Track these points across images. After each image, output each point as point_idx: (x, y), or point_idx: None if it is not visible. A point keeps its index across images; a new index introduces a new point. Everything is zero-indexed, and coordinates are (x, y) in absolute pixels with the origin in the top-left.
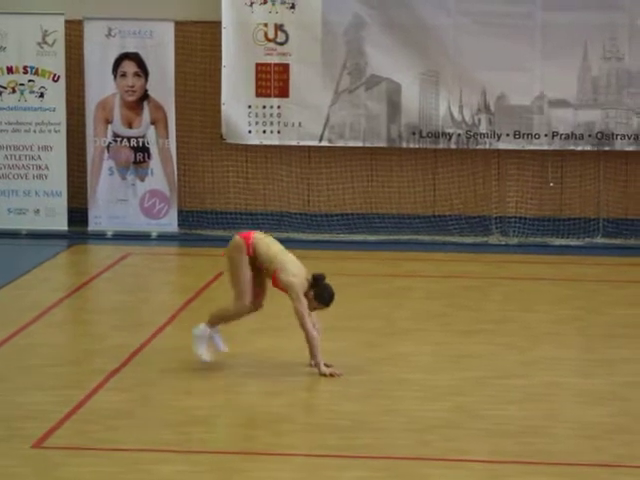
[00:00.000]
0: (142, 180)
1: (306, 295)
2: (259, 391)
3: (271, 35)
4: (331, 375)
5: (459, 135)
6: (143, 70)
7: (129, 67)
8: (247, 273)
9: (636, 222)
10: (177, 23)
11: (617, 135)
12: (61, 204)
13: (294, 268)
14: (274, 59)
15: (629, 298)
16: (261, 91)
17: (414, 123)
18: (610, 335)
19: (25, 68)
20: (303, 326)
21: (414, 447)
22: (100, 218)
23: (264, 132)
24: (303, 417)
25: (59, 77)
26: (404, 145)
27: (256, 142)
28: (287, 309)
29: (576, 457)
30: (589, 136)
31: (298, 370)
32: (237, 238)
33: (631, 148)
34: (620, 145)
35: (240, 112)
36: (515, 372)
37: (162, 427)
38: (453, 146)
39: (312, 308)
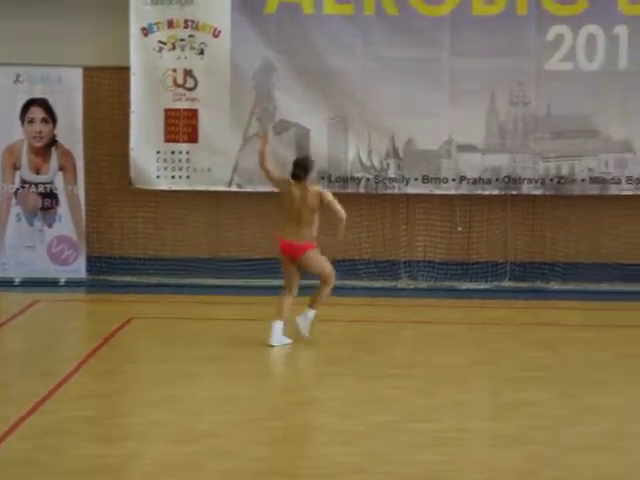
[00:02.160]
0: (50, 226)
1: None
2: (170, 439)
3: (180, 81)
4: None
5: (368, 180)
6: (51, 116)
7: (37, 113)
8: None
9: (543, 266)
10: (85, 69)
11: (524, 179)
12: None
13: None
14: (183, 104)
15: (536, 341)
16: (170, 136)
17: (323, 168)
18: (518, 378)
19: None
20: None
21: None
22: (7, 265)
23: (173, 177)
24: (214, 464)
25: None
26: None
27: (165, 187)
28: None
29: None
30: (496, 180)
31: (209, 418)
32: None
33: (538, 192)
34: (527, 189)
35: (149, 157)
36: (424, 416)
37: (71, 476)
38: (362, 191)
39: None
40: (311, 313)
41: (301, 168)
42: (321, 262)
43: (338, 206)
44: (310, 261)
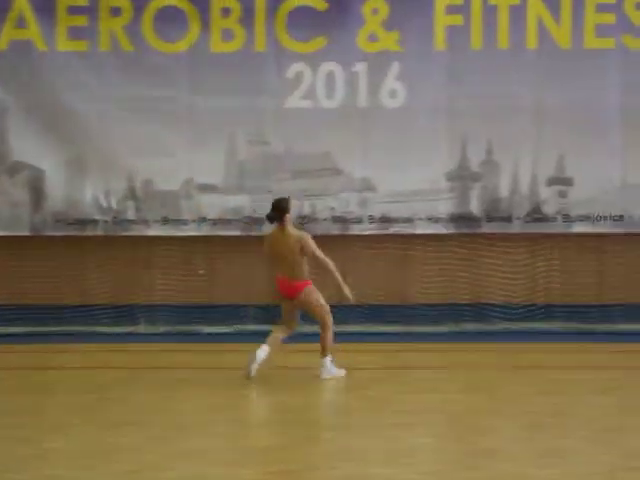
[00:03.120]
0: None
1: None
2: None
3: None
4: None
5: (106, 222)
6: None
7: None
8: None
9: None
10: None
11: (265, 220)
12: None
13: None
14: None
15: (279, 385)
16: None
17: (60, 210)
18: (267, 421)
19: None
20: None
21: None
22: None
23: None
24: None
25: None
26: (49, 233)
27: None
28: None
29: None
30: (237, 221)
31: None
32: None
33: None
34: (268, 229)
35: None
36: (164, 465)
37: None
38: (100, 233)
39: None
40: (326, 360)
41: (274, 209)
42: (315, 301)
43: (322, 256)
44: (307, 297)
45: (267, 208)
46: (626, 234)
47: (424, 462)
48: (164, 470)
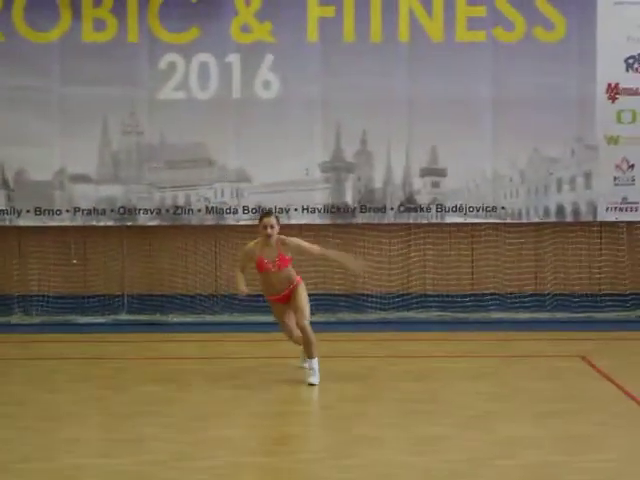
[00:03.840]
0: None
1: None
2: None
3: None
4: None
5: None
6: None
7: None
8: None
9: (161, 297)
10: None
11: (139, 210)
12: None
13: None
14: None
15: (154, 375)
16: None
17: None
18: (135, 413)
19: None
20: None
21: None
22: None
23: None
24: None
25: None
26: None
27: None
28: None
29: None
30: (111, 211)
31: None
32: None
33: (154, 223)
34: (143, 220)
35: None
36: (38, 455)
37: None
38: None
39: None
40: (312, 362)
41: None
42: (304, 301)
43: (305, 244)
44: (298, 291)
45: (142, 199)
46: (498, 224)
47: (298, 451)
48: (35, 461)
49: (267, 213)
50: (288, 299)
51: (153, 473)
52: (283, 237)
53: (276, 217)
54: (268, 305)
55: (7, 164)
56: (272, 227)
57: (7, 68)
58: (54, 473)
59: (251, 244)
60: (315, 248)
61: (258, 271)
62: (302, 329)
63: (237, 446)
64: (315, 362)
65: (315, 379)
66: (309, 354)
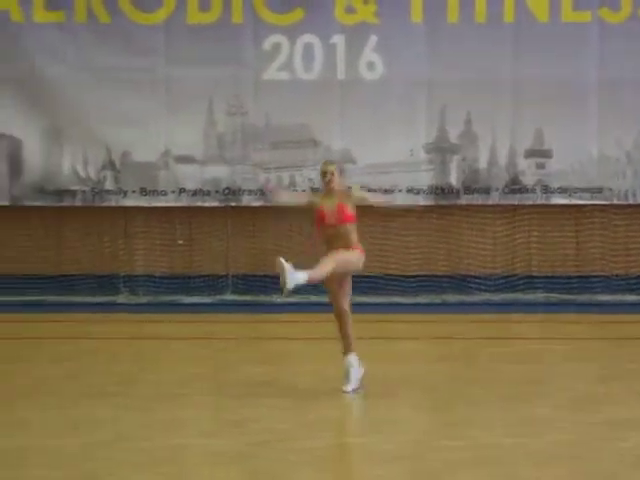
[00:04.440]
0: None
1: None
2: None
3: None
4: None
5: (84, 192)
6: None
7: None
8: None
9: (265, 278)
10: None
11: (244, 191)
12: None
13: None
14: None
15: (258, 356)
16: None
17: (37, 180)
18: (241, 394)
19: None
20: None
21: None
22: None
23: None
24: None
25: None
26: (27, 203)
27: None
28: None
29: None
30: (216, 192)
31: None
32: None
33: (258, 204)
34: (247, 201)
35: None
36: (139, 434)
37: None
38: (78, 203)
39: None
40: (351, 358)
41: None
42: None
43: (368, 194)
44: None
45: (247, 180)
46: (604, 205)
47: (401, 432)
48: (137, 440)
49: (327, 161)
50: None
51: (256, 453)
52: (347, 190)
53: (340, 168)
54: None
55: (113, 145)
56: (332, 174)
57: (113, 49)
58: (155, 452)
59: (318, 194)
60: (379, 195)
61: (317, 226)
62: (344, 314)
63: (338, 427)
64: (354, 358)
65: (353, 385)
66: (348, 346)
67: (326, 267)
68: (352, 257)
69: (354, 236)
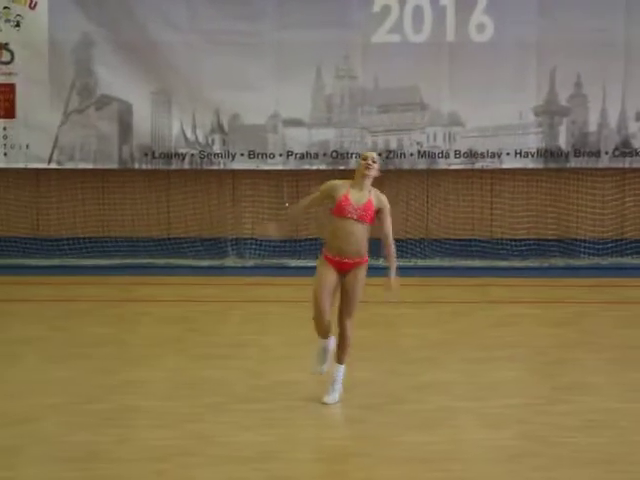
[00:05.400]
0: None
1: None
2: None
3: None
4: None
5: (192, 155)
6: None
7: None
8: None
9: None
10: None
11: (352, 154)
12: None
13: None
14: None
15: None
16: None
17: (146, 144)
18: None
19: None
20: None
21: (148, 476)
22: None
23: None
24: (34, 449)
25: None
26: (136, 166)
27: None
28: None
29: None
30: (324, 155)
31: (28, 402)
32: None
33: None
34: (355, 164)
35: None
36: (252, 396)
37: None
38: (186, 167)
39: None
40: (339, 370)
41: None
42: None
43: (389, 219)
44: (360, 277)
45: (355, 143)
46: None
47: (509, 396)
48: (251, 402)
49: (371, 151)
50: (345, 271)
51: (364, 417)
52: (377, 190)
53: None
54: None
55: (222, 108)
56: (374, 162)
57: (223, 12)
58: (269, 413)
59: (340, 181)
60: (390, 235)
61: (333, 214)
62: (345, 327)
63: (444, 390)
64: (342, 371)
65: (333, 397)
66: (341, 358)
67: (350, 338)
68: (361, 289)
69: (366, 243)
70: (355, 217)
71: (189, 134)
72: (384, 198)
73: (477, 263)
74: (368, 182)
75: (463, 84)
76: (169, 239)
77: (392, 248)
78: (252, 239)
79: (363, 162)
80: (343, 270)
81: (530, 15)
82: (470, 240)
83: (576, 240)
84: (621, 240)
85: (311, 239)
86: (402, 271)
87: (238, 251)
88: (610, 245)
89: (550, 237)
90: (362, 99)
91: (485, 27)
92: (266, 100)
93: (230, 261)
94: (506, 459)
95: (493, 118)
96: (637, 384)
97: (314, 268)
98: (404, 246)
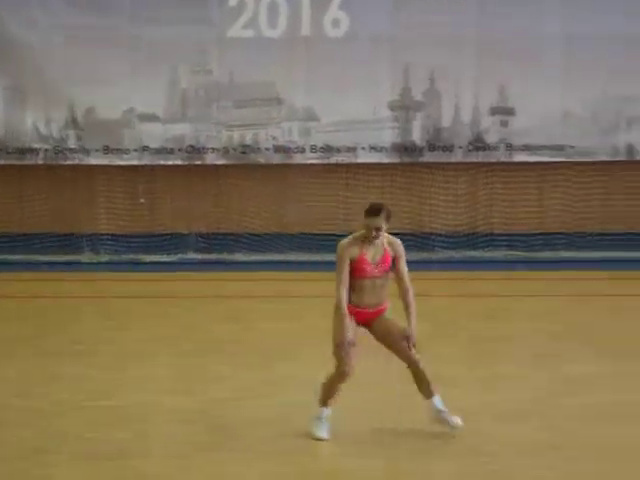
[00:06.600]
0: None
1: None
2: None
3: None
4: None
5: (47, 151)
6: None
7: None
8: None
9: (228, 236)
10: None
11: (207, 149)
12: None
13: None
14: None
15: (226, 312)
16: None
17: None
18: (207, 350)
19: None
20: None
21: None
22: None
23: None
24: None
25: None
26: None
27: None
28: None
29: (168, 478)
30: (179, 150)
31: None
32: None
33: (221, 162)
34: (211, 159)
35: None
36: (107, 393)
37: None
38: (40, 162)
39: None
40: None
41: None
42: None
43: (405, 266)
44: (389, 317)
45: (210, 138)
46: (566, 163)
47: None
48: (104, 399)
49: (374, 211)
50: (371, 322)
51: (216, 412)
52: (388, 235)
53: (387, 214)
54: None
55: (77, 103)
56: (378, 230)
57: (79, 7)
58: (122, 410)
59: (349, 239)
60: (406, 278)
61: (353, 275)
62: (417, 363)
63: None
64: (440, 401)
65: (456, 419)
66: (429, 392)
67: (422, 366)
68: (397, 324)
69: (388, 288)
70: (378, 274)
71: (43, 129)
72: (398, 243)
73: (334, 257)
74: (378, 240)
75: (319, 79)
76: (24, 235)
77: (411, 293)
78: (107, 235)
79: (368, 233)
80: (369, 319)
81: (385, 10)
82: (328, 235)
83: (430, 234)
84: (474, 234)
85: (166, 234)
86: (257, 265)
87: (93, 247)
88: (463, 239)
89: (405, 231)
90: (217, 94)
91: (340, 22)
92: (121, 95)
93: (85, 257)
94: None
95: (348, 113)
96: (490, 377)
97: (169, 263)
98: (259, 241)
